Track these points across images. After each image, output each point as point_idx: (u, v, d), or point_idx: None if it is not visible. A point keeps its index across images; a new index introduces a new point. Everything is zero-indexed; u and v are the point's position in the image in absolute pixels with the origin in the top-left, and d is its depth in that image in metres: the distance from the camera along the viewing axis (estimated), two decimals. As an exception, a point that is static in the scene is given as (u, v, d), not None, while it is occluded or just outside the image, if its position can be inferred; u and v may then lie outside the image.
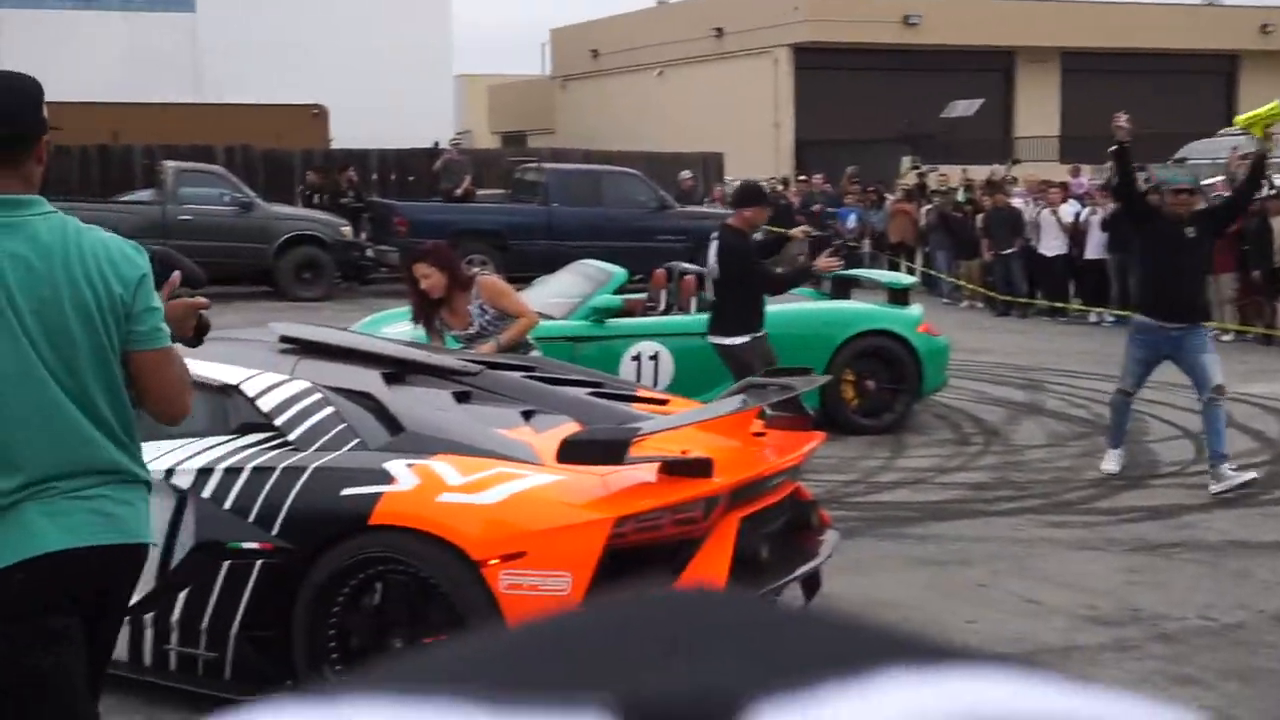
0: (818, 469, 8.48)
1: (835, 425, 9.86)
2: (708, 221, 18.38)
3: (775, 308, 9.32)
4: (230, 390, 5.40)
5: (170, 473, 5.07)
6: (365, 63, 36.84)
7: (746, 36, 37.28)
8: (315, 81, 32.88)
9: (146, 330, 3.27)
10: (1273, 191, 15.44)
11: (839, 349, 10.53)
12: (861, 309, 11.11)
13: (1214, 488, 8.59)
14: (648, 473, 5.02)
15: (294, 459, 5.06)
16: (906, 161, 28.78)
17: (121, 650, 4.97)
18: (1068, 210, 18.73)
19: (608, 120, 40.20)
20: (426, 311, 7.40)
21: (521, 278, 12.68)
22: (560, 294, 10.61)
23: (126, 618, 4.95)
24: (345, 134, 29.90)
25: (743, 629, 0.58)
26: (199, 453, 5.18)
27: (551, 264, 13.22)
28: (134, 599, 4.88)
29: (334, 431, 5.17)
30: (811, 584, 5.91)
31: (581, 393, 6.04)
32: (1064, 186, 19.81)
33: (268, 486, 4.99)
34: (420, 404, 5.49)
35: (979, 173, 23.55)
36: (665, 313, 10.90)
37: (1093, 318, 18.16)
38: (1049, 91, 38.73)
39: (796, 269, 9.84)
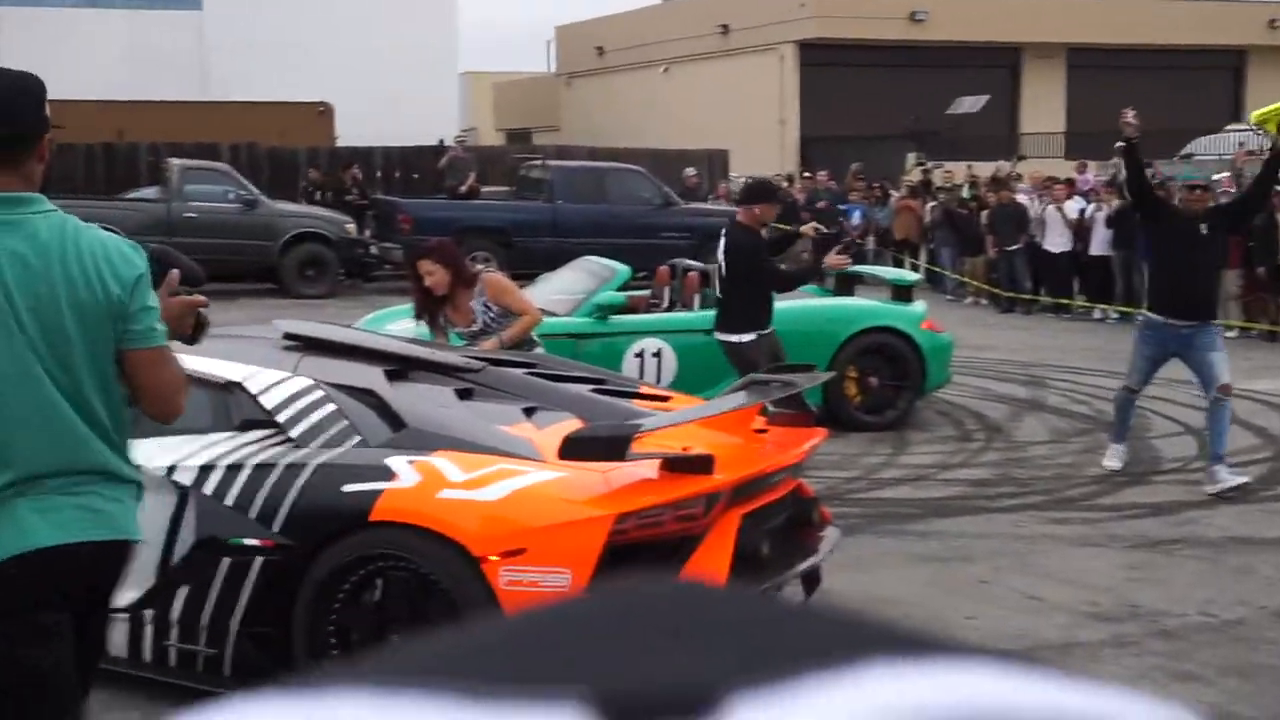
0: (819, 465, 8.47)
1: (838, 422, 9.86)
2: (712, 218, 18.43)
3: (779, 304, 9.31)
4: (233, 387, 5.40)
5: (172, 469, 5.09)
6: (371, 61, 36.92)
7: (752, 33, 37.23)
8: (321, 79, 32.94)
9: (142, 329, 3.27)
10: (1280, 188, 15.40)
11: (842, 345, 10.53)
12: (865, 305, 11.11)
13: (1208, 489, 8.58)
14: (649, 469, 5.02)
15: (295, 455, 5.07)
16: (912, 158, 28.72)
17: (121, 646, 5.00)
18: (1073, 206, 18.69)
19: (613, 117, 40.16)
20: (430, 308, 7.40)
21: (526, 275, 12.69)
22: (564, 291, 10.61)
23: (127, 614, 5.00)
24: (351, 131, 29.93)
25: (728, 623, 0.57)
26: (201, 449, 5.19)
27: (556, 261, 13.22)
28: (135, 595, 4.95)
29: (336, 428, 5.17)
30: (811, 580, 5.92)
31: (584, 389, 6.04)
32: (1069, 183, 19.78)
33: (269, 483, 5.00)
34: (422, 401, 5.49)
35: (984, 169, 23.51)
36: (669, 310, 10.91)
37: (1097, 314, 18.12)
38: (1055, 87, 38.64)
39: (805, 267, 9.84)
